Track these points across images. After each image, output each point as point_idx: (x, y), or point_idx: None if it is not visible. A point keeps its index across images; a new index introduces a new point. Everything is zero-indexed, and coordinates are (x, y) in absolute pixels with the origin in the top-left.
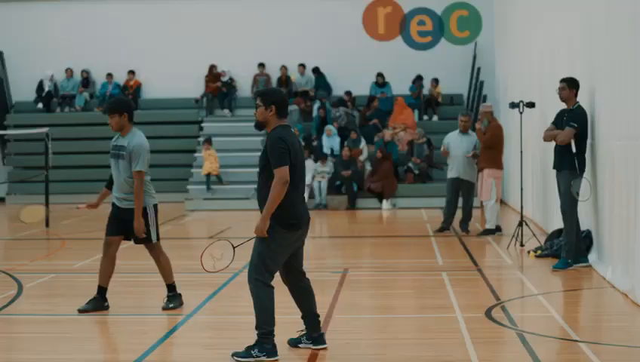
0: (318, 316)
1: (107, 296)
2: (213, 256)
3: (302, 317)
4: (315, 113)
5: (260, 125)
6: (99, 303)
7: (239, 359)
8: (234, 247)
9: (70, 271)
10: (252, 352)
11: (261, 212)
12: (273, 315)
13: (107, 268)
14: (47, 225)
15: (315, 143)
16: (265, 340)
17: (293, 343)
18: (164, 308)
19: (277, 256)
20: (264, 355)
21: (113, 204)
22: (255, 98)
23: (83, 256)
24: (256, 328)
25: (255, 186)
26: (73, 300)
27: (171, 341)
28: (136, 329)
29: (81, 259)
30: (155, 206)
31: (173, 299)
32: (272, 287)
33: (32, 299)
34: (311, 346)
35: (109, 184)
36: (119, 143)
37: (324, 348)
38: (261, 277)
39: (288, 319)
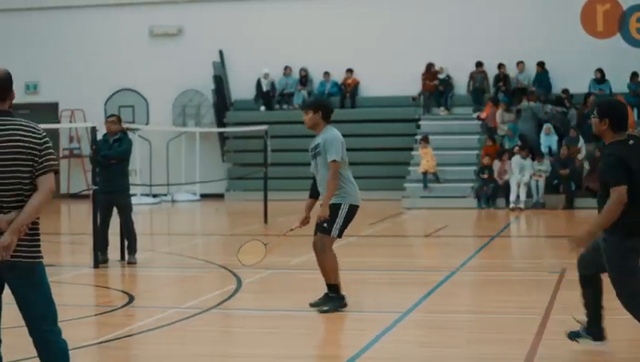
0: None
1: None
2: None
3: (584, 306)
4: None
5: (595, 137)
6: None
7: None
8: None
9: (287, 267)
10: None
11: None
12: None
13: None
14: (265, 221)
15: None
16: None
17: (572, 336)
18: (311, 304)
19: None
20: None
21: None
22: (592, 110)
23: (300, 252)
24: None
25: (472, 185)
26: (290, 296)
27: (387, 338)
28: (353, 325)
29: (298, 256)
30: (351, 206)
31: (329, 300)
32: None
33: (250, 294)
34: (591, 340)
35: (313, 193)
36: (314, 143)
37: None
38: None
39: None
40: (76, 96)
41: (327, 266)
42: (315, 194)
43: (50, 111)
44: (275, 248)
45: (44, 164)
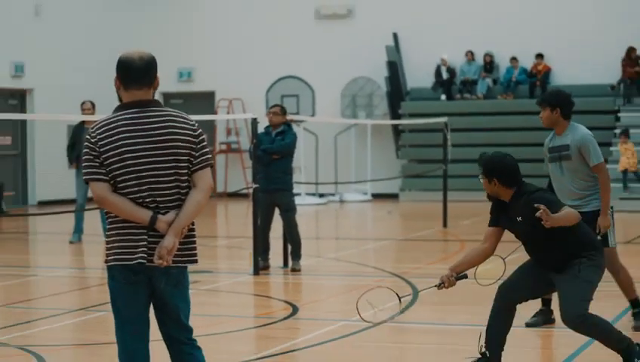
0: None
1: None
2: (371, 303)
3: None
4: None
5: None
6: (545, 316)
7: None
8: (399, 298)
9: (470, 276)
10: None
11: None
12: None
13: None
14: (444, 225)
15: None
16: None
17: None
18: (634, 328)
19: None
20: None
21: None
22: None
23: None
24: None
25: None
26: (471, 309)
27: (582, 357)
28: (540, 343)
29: (482, 264)
30: (612, 210)
31: (637, 317)
32: None
33: (426, 306)
34: None
35: None
36: (557, 144)
37: None
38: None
39: None
40: (234, 84)
41: (624, 281)
42: None
43: (205, 101)
44: (454, 253)
45: (201, 158)
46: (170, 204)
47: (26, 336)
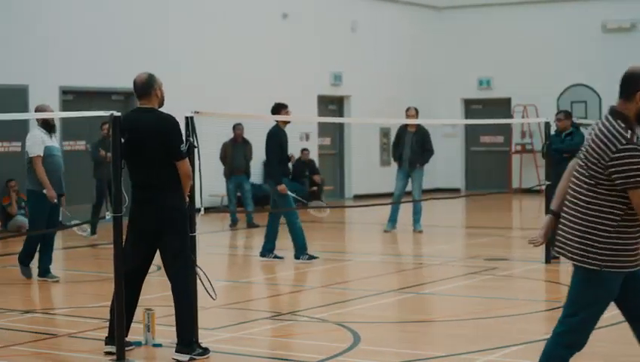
0: None
1: None
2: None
3: None
4: None
5: None
6: None
7: None
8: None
9: None
10: None
11: None
12: None
13: None
14: None
15: None
16: None
17: None
18: None
19: None
20: None
21: None
22: None
23: None
24: None
25: None
26: None
27: None
28: None
29: None
30: None
31: None
32: None
33: None
34: None
35: None
36: None
37: None
38: None
39: None
40: (529, 91)
41: None
42: None
43: (502, 106)
44: None
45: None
46: None
47: (343, 314)
